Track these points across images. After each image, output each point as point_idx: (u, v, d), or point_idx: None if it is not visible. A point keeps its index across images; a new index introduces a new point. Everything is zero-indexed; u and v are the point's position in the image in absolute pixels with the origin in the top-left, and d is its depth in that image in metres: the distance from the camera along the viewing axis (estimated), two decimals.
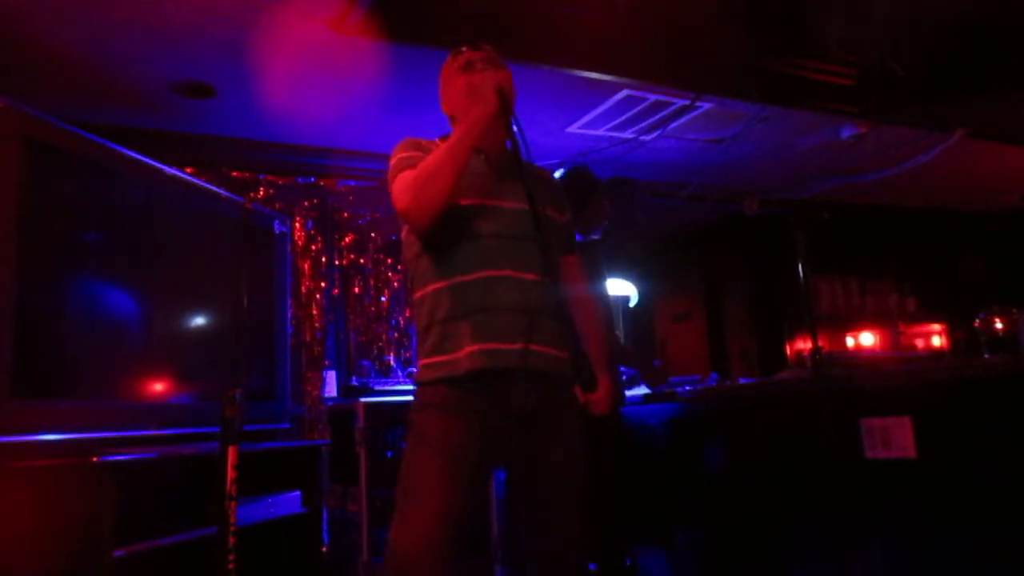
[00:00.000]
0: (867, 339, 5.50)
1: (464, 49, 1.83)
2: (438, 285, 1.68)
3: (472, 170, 1.68)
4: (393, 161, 1.73)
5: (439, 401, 1.63)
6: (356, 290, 4.29)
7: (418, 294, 1.74)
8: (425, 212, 1.61)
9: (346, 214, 4.30)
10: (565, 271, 1.86)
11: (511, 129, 1.63)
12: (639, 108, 3.60)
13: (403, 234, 1.81)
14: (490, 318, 1.62)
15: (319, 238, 4.13)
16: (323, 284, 4.09)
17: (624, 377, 3.18)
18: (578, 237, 2.83)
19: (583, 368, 1.57)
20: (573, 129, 3.85)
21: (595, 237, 2.91)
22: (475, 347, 1.60)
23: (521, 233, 1.67)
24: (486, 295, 1.63)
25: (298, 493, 2.81)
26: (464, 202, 1.66)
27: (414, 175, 1.63)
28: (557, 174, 2.94)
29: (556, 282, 1.62)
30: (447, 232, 1.66)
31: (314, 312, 4.01)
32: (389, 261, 4.39)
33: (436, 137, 1.85)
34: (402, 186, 1.65)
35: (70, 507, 1.98)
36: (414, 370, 4.01)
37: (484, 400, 1.61)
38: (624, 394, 2.95)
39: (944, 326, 5.76)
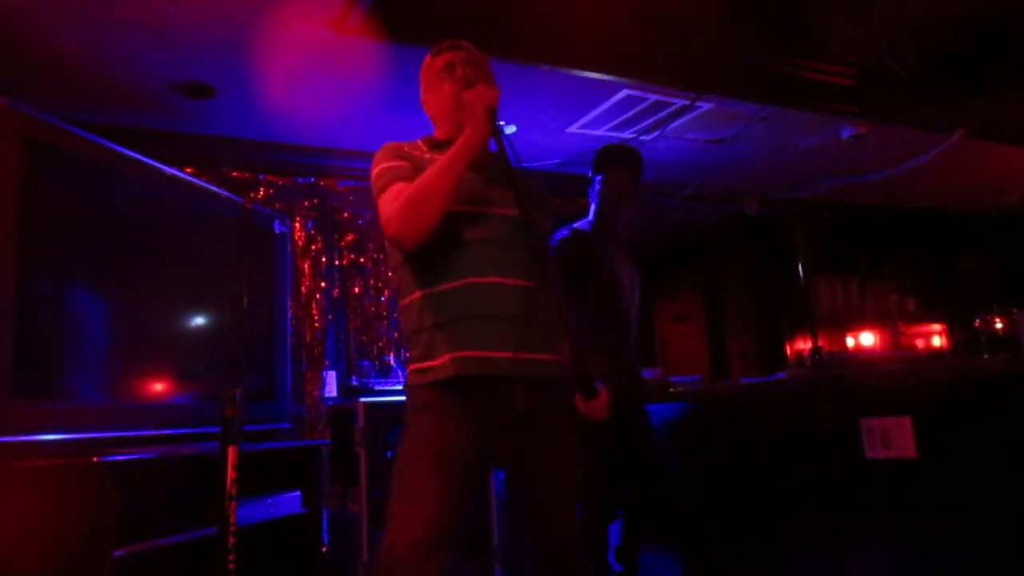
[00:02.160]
0: (867, 339, 5.50)
1: (444, 49, 1.80)
2: (425, 292, 1.66)
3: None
4: (376, 171, 1.70)
5: (433, 402, 1.61)
6: (356, 290, 4.29)
7: (405, 301, 1.72)
8: (414, 236, 1.59)
9: (346, 214, 4.30)
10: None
11: (501, 142, 1.61)
12: (639, 108, 3.60)
13: (387, 242, 1.78)
14: (478, 325, 1.60)
15: (319, 238, 4.13)
16: (323, 284, 4.10)
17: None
18: (579, 223, 2.83)
19: (582, 375, 1.55)
20: (573, 129, 3.85)
21: (625, 212, 2.84)
22: (463, 354, 1.58)
23: (507, 239, 1.65)
24: (473, 302, 1.61)
25: (298, 493, 2.81)
26: (450, 209, 1.63)
27: (403, 198, 1.60)
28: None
29: (548, 287, 1.60)
30: (434, 240, 1.62)
31: (314, 312, 4.01)
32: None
33: (419, 138, 1.82)
34: (391, 208, 1.62)
35: (70, 507, 1.98)
36: None
37: (477, 403, 1.60)
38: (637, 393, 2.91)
39: (944, 326, 5.77)
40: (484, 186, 1.71)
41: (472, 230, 1.65)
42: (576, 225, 2.83)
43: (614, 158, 2.82)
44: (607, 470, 2.59)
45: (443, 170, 1.59)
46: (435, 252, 1.64)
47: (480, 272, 1.63)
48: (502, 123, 1.63)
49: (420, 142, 1.81)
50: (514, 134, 3.81)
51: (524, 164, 1.66)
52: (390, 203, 1.63)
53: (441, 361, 1.60)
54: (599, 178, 2.82)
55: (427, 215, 1.58)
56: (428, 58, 1.84)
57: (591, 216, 2.87)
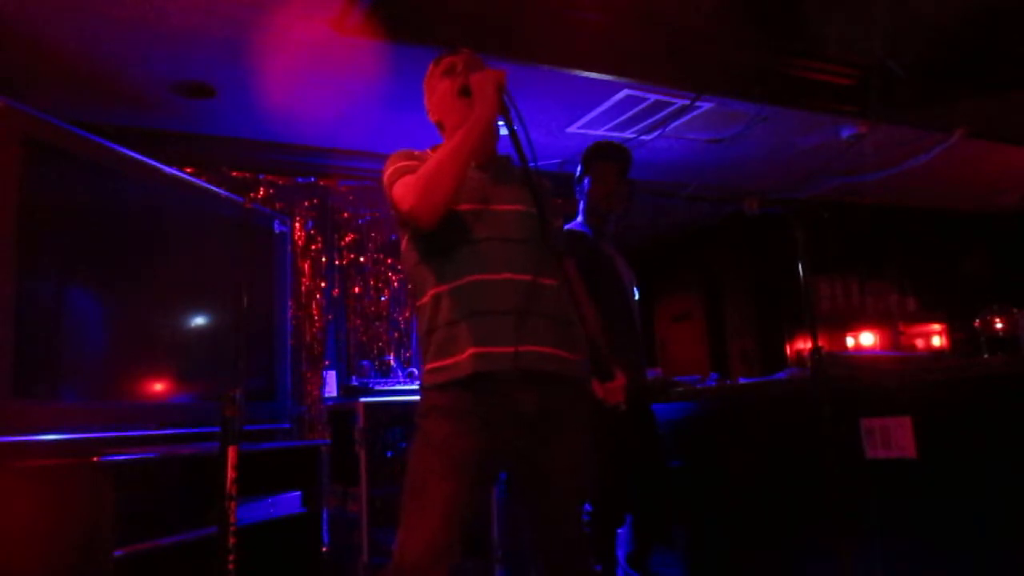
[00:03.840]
0: (867, 339, 5.50)
1: (444, 56, 1.84)
2: (437, 290, 1.68)
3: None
4: (390, 170, 1.73)
5: (444, 405, 1.62)
6: (356, 290, 4.29)
7: (420, 302, 1.74)
8: (430, 211, 1.60)
9: (346, 214, 4.30)
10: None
11: (513, 127, 1.63)
12: (639, 108, 3.60)
13: (403, 245, 1.80)
14: (487, 321, 1.62)
15: (319, 238, 4.12)
16: (323, 284, 4.09)
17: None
18: (570, 225, 2.80)
19: (599, 362, 1.55)
20: (573, 129, 3.85)
21: (617, 211, 2.80)
22: (474, 349, 1.60)
23: (517, 236, 1.68)
24: (483, 298, 1.63)
25: (298, 493, 2.81)
26: (459, 208, 1.66)
27: (418, 175, 1.63)
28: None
29: (561, 283, 1.61)
30: (444, 238, 1.66)
31: (314, 312, 4.00)
32: (389, 261, 4.39)
33: (427, 148, 1.85)
34: (405, 189, 1.65)
35: (70, 507, 1.98)
36: (415, 370, 4.01)
37: (488, 402, 1.60)
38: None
39: (944, 326, 5.76)
40: (492, 184, 1.74)
41: (482, 228, 1.68)
42: (567, 228, 2.79)
43: (600, 156, 2.79)
44: (614, 472, 2.58)
45: (457, 146, 1.61)
46: (448, 250, 1.67)
47: (491, 268, 1.65)
48: (511, 120, 1.64)
49: (429, 151, 1.84)
50: None
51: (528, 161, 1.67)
52: (404, 184, 1.66)
53: (460, 358, 1.61)
54: (587, 177, 2.80)
55: (442, 189, 1.59)
56: (431, 67, 1.89)
57: (581, 216, 2.84)
